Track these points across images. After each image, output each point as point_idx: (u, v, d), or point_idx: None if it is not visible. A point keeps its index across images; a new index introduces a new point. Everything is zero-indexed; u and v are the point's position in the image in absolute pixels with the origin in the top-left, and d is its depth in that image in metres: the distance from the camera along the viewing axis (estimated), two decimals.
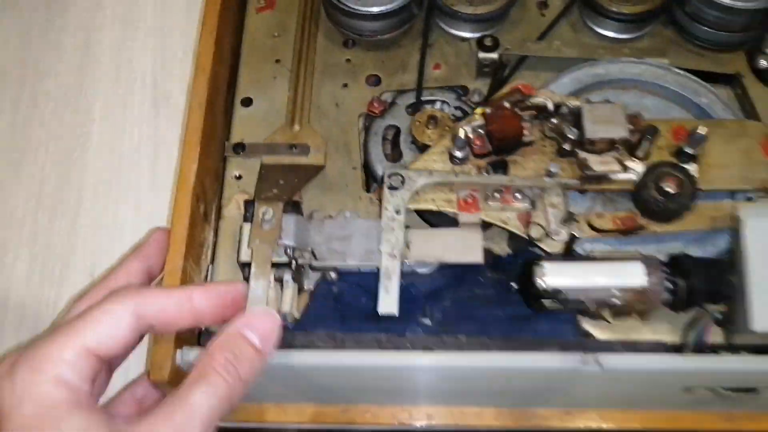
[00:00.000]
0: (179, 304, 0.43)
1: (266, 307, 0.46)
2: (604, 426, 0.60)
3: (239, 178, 0.64)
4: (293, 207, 0.57)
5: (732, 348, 0.54)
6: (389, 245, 0.53)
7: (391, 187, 0.56)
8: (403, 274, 0.52)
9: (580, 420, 0.61)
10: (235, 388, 0.41)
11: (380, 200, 0.56)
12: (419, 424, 0.59)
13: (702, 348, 0.55)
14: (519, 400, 0.59)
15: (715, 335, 0.55)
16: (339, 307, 0.55)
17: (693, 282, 0.51)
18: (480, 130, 0.58)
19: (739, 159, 0.58)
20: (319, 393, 0.58)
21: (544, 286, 0.50)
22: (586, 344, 0.53)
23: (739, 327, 0.52)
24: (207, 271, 0.60)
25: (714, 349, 0.57)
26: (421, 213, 0.59)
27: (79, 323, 0.40)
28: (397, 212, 0.55)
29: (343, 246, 0.54)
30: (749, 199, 0.56)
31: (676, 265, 0.52)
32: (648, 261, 0.51)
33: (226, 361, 0.41)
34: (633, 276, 0.50)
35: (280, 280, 0.54)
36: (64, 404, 0.37)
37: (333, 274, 0.56)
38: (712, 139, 0.58)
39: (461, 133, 0.56)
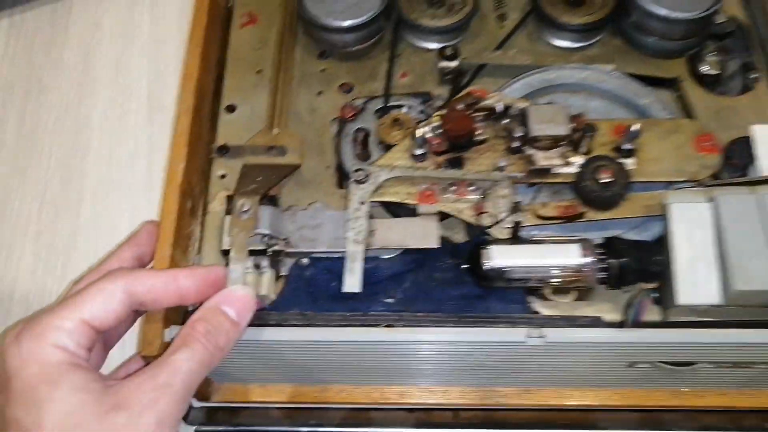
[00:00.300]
0: (166, 284, 0.47)
1: (242, 286, 0.52)
2: (564, 402, 0.65)
3: (223, 177, 0.70)
4: (269, 200, 0.64)
5: (667, 325, 0.60)
6: (354, 232, 0.59)
7: (357, 181, 0.62)
8: (369, 259, 0.58)
9: (539, 397, 0.66)
10: (214, 354, 0.45)
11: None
12: (392, 401, 0.65)
13: (639, 325, 0.60)
14: (482, 379, 0.65)
15: (652, 313, 0.61)
16: (311, 290, 0.60)
17: (625, 262, 0.56)
18: (438, 130, 0.64)
19: (672, 154, 0.64)
20: (298, 373, 0.64)
21: (490, 265, 0.56)
22: (532, 320, 0.59)
23: (669, 303, 0.58)
24: (193, 261, 0.66)
25: (650, 326, 0.63)
26: (385, 205, 0.65)
27: (77, 298, 0.45)
28: (362, 203, 0.61)
29: (314, 234, 0.61)
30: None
31: (610, 246, 0.57)
32: (584, 244, 0.57)
33: (206, 330, 0.45)
34: (569, 256, 0.56)
35: (258, 266, 0.61)
36: (63, 365, 0.43)
37: (305, 260, 0.62)
38: (648, 136, 0.64)
39: (420, 133, 0.62)
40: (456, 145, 0.63)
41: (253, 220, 0.59)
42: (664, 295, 0.59)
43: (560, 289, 0.59)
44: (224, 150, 0.71)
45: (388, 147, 0.67)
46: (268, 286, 0.58)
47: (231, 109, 0.74)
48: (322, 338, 0.57)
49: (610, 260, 0.56)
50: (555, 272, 0.56)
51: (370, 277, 0.57)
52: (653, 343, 0.56)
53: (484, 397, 0.66)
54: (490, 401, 0.66)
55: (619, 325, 0.60)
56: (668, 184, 0.64)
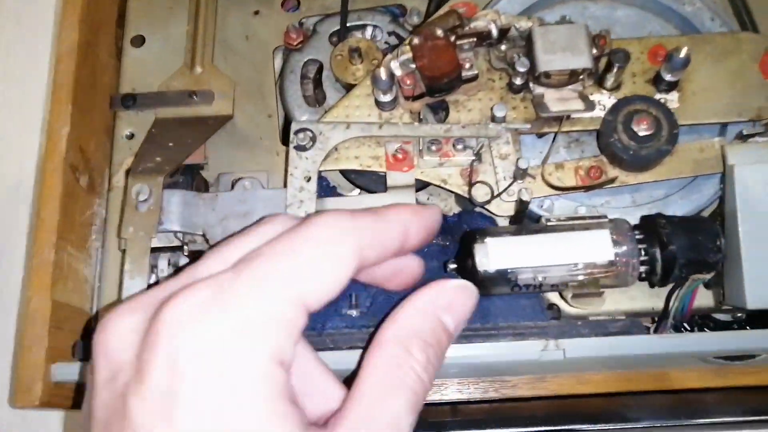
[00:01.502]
0: (397, 235, 0.33)
1: (464, 282, 0.34)
2: (583, 389, 0.52)
3: (131, 137, 0.53)
4: (187, 176, 0.47)
5: (724, 325, 0.46)
6: None
7: (299, 147, 0.45)
8: None
9: (554, 385, 0.53)
10: (426, 393, 0.31)
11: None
12: None
13: (684, 318, 0.46)
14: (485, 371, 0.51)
15: (703, 297, 0.46)
16: None
17: (672, 251, 0.41)
18: (411, 65, 0.46)
19: (730, 82, 0.47)
20: None
21: (487, 270, 0.41)
22: (547, 329, 0.44)
23: (731, 297, 0.43)
24: (96, 258, 0.50)
25: (699, 319, 0.48)
26: (344, 174, 0.49)
27: (288, 264, 0.29)
28: (307, 180, 0.45)
29: (242, 226, 0.45)
30: (743, 137, 0.45)
31: (651, 229, 0.42)
32: (616, 227, 0.41)
33: (427, 361, 0.31)
34: (597, 248, 0.41)
35: (176, 266, 0.45)
36: (276, 400, 0.27)
37: None
38: (698, 60, 0.47)
39: (382, 73, 0.45)
40: (436, 87, 0.46)
41: (155, 213, 0.43)
42: (722, 282, 0.44)
43: (582, 294, 0.43)
44: (130, 100, 0.53)
45: (349, 87, 0.50)
46: None
47: (138, 41, 0.56)
48: None
49: (653, 250, 0.41)
50: (577, 272, 0.41)
51: None
52: (699, 349, 0.42)
53: (489, 389, 0.53)
54: (495, 393, 0.53)
55: (660, 318, 0.45)
56: (723, 127, 0.47)
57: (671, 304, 0.45)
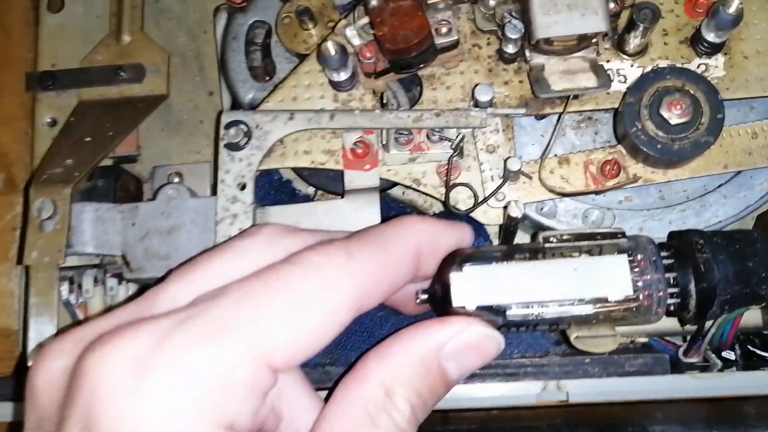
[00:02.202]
0: (404, 273, 0.28)
1: (490, 331, 0.28)
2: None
3: (53, 123, 0.45)
4: (107, 179, 0.39)
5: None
6: None
7: (231, 146, 0.36)
8: None
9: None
10: None
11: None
12: None
13: (724, 346, 0.36)
14: None
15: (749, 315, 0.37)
16: None
17: (713, 283, 0.31)
18: (371, 33, 0.36)
19: None
20: None
21: (465, 307, 0.31)
22: (547, 367, 0.35)
23: None
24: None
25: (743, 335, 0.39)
26: (297, 172, 0.39)
27: (254, 317, 0.24)
28: (241, 188, 0.35)
29: (167, 245, 0.36)
30: None
31: (684, 251, 0.31)
32: (638, 249, 0.31)
33: (411, 413, 0.27)
34: (611, 279, 0.31)
35: (103, 282, 0.38)
36: None
37: None
38: (752, 12, 0.35)
39: (330, 48, 0.34)
40: (401, 62, 0.35)
41: (62, 234, 0.35)
42: None
43: (594, 331, 0.34)
44: (49, 79, 0.45)
45: (302, 57, 0.40)
46: None
47: (56, 4, 0.46)
48: None
49: (685, 279, 0.31)
50: (584, 309, 0.31)
51: None
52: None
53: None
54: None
55: (692, 339, 0.36)
56: None
57: (708, 328, 0.36)
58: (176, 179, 0.42)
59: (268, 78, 0.43)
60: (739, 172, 0.36)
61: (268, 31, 0.43)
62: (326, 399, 0.27)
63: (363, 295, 0.26)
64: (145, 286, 0.39)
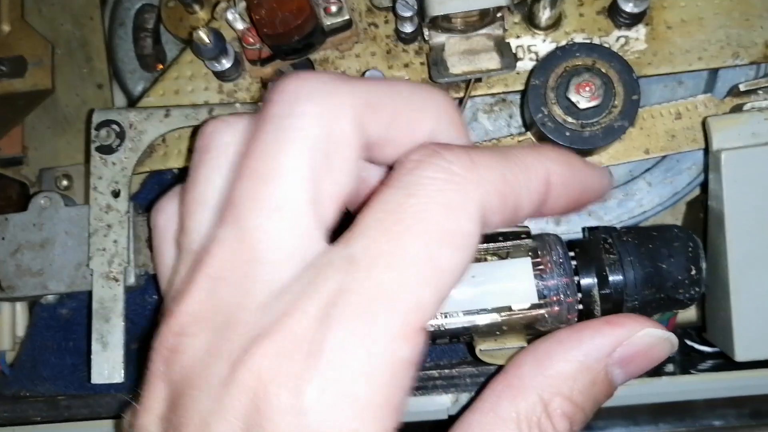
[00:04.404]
0: (533, 197, 0.23)
1: (668, 333, 0.26)
2: None
3: None
4: None
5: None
6: (104, 261, 0.31)
7: (103, 149, 0.32)
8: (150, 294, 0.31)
9: None
10: None
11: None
12: None
13: None
14: None
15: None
16: (72, 340, 0.34)
17: (618, 287, 0.27)
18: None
19: (724, 9, 0.32)
20: None
21: None
22: (457, 379, 0.32)
23: (714, 335, 0.30)
24: None
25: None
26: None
27: None
28: (115, 195, 0.32)
29: (41, 260, 0.33)
30: (739, 93, 0.30)
31: (589, 251, 0.28)
32: (543, 249, 0.28)
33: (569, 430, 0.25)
34: (513, 288, 0.28)
35: None
36: None
37: (51, 297, 0.35)
38: None
39: (203, 35, 0.31)
40: (284, 47, 0.32)
41: None
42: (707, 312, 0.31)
43: (506, 337, 0.30)
44: None
45: (188, 43, 0.36)
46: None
47: None
48: None
49: (587, 282, 0.28)
50: (489, 320, 0.28)
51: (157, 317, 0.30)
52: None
53: None
54: None
55: None
56: (711, 77, 0.33)
57: None
58: (65, 182, 0.39)
59: (161, 67, 0.39)
60: (665, 156, 0.33)
61: (158, 16, 0.39)
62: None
63: (487, 213, 0.21)
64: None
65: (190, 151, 0.34)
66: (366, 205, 0.21)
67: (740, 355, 0.28)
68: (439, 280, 0.21)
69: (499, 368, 0.27)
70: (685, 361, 0.37)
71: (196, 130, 0.33)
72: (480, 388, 0.26)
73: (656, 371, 0.37)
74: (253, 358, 0.20)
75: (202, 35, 0.31)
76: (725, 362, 0.33)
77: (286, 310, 0.20)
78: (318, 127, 0.21)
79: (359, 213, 0.21)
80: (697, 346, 0.37)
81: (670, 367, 0.37)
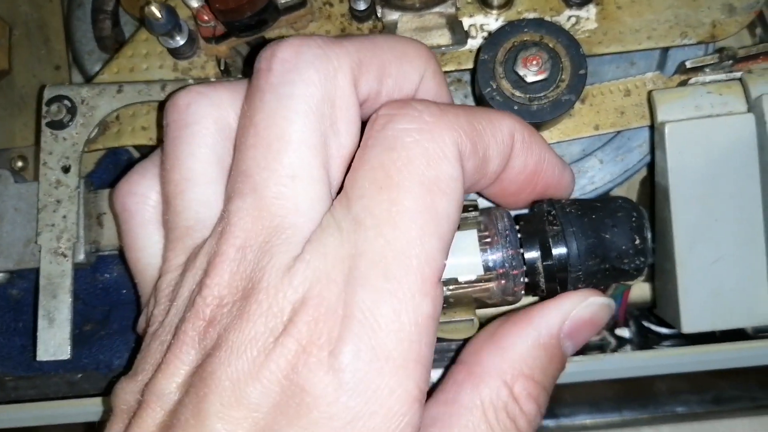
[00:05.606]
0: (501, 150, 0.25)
1: (608, 299, 0.27)
2: None
3: None
4: None
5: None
6: (52, 236, 0.31)
7: (53, 124, 0.32)
8: (102, 265, 0.31)
9: None
10: None
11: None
12: None
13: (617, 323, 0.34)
14: None
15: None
16: (22, 321, 0.34)
17: (561, 259, 0.28)
18: None
19: None
20: None
21: None
22: None
23: (663, 309, 0.30)
24: None
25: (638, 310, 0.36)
26: (141, 148, 0.36)
27: None
28: (65, 170, 0.32)
29: None
30: (686, 71, 0.31)
31: (533, 223, 0.28)
32: (490, 223, 0.28)
33: (537, 411, 0.25)
34: (458, 260, 0.28)
35: None
36: None
37: (0, 276, 0.34)
38: None
39: (155, 10, 0.31)
40: (237, 24, 0.32)
41: None
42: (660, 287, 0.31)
43: (457, 307, 0.30)
44: None
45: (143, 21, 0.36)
46: None
47: None
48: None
49: (532, 254, 0.28)
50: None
51: (108, 296, 0.30)
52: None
53: None
54: None
55: None
56: (662, 56, 0.33)
57: None
58: (20, 163, 0.39)
59: (117, 47, 0.39)
60: (617, 134, 0.33)
61: None
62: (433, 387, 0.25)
63: (463, 156, 0.23)
64: None
65: (143, 128, 0.33)
66: (353, 166, 0.22)
67: (686, 327, 0.28)
68: (439, 227, 0.22)
69: (456, 355, 0.27)
70: (642, 343, 0.37)
71: (153, 108, 0.33)
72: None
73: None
74: (294, 325, 0.21)
75: (154, 10, 0.31)
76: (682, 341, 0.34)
77: (315, 276, 0.21)
78: (320, 93, 0.22)
79: (348, 173, 0.22)
80: (654, 328, 0.37)
81: (627, 349, 0.37)
